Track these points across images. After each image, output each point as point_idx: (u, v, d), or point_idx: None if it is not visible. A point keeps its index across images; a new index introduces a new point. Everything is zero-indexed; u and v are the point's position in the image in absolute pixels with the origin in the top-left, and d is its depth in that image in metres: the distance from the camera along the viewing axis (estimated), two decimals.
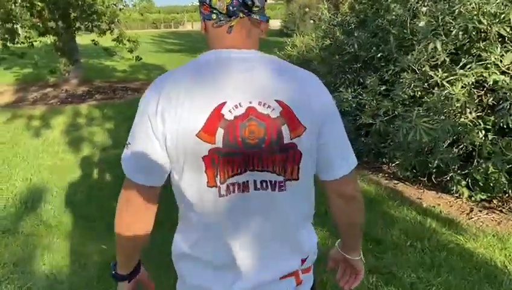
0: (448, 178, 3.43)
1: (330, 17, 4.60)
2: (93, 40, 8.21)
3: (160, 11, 53.14)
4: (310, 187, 1.01)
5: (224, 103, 0.89)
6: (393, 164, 4.02)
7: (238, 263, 0.96)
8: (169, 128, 0.89)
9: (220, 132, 0.88)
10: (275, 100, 0.90)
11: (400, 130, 3.08)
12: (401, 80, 3.40)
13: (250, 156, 0.90)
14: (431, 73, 3.11)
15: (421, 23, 3.12)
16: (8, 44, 7.23)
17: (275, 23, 25.14)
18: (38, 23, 7.15)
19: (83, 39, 8.78)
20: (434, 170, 3.52)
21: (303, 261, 1.04)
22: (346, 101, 3.98)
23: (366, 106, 3.86)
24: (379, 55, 3.87)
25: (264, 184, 0.92)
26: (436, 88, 3.15)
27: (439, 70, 3.11)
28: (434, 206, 3.35)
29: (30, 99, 7.79)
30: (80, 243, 2.87)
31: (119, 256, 1.09)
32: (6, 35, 7.13)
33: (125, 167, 0.96)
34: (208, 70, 0.92)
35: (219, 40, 0.95)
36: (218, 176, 0.90)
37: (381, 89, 3.76)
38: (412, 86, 3.30)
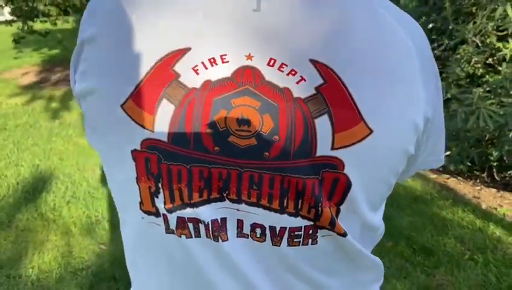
0: None
1: None
2: None
3: None
4: (366, 239, 0.53)
5: (186, 50, 0.42)
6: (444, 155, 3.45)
7: None
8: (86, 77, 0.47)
9: (164, 108, 0.42)
10: (310, 60, 0.42)
11: (458, 115, 2.52)
12: (457, 56, 2.81)
13: (234, 170, 0.43)
14: (499, 45, 2.51)
15: None
16: (30, 23, 6.97)
17: None
18: (58, 1, 6.84)
19: None
20: (495, 164, 2.94)
21: None
22: None
23: None
24: (430, 26, 3.27)
25: (258, 231, 0.45)
26: (504, 64, 2.56)
27: (510, 41, 2.51)
28: (496, 208, 2.78)
29: (53, 80, 7.59)
30: (76, 243, 2.51)
31: None
32: (27, 13, 6.87)
33: None
34: None
35: None
36: (161, 196, 0.45)
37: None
38: (472, 61, 2.71)
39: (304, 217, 0.44)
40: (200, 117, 0.41)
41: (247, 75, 0.42)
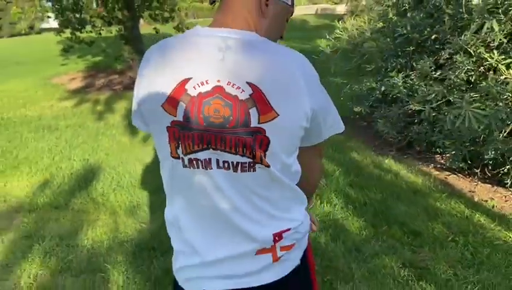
0: (506, 170, 3.16)
1: None
2: (155, 28, 8.51)
3: None
4: (286, 173, 0.97)
5: (189, 79, 0.88)
6: (446, 154, 3.77)
7: (202, 235, 0.99)
8: (142, 95, 0.95)
9: (181, 106, 0.88)
10: (247, 82, 0.87)
11: (448, 117, 2.87)
12: (452, 65, 3.16)
13: (213, 134, 0.88)
14: (486, 55, 2.85)
15: (475, 0, 2.85)
16: (77, 33, 7.71)
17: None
18: (103, 13, 7.53)
19: (145, 28, 9.14)
20: (490, 162, 3.25)
21: (276, 237, 1.00)
22: (396, 87, 3.79)
23: (419, 92, 3.63)
24: (433, 37, 3.61)
25: (226, 164, 0.91)
26: (491, 72, 2.89)
27: (495, 52, 2.83)
28: (487, 201, 3.09)
29: (97, 86, 8.29)
30: (121, 222, 3.03)
31: None
32: (75, 24, 7.61)
33: None
34: (184, 45, 0.93)
35: (215, 14, 0.98)
36: (180, 148, 0.92)
37: (435, 74, 3.52)
38: (465, 69, 3.05)
39: (247, 157, 0.90)
40: (197, 109, 0.88)
41: (218, 90, 0.88)
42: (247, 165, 0.90)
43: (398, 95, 3.81)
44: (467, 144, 3.25)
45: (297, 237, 1.06)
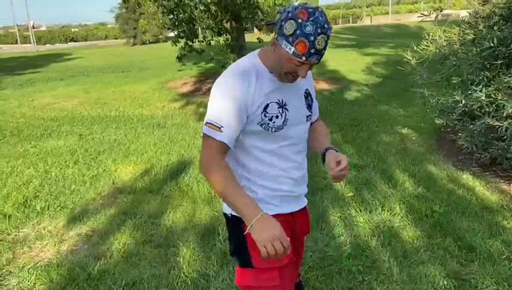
0: None
1: (478, 7, 4.20)
2: (258, 38, 9.09)
3: (341, 7, 53.45)
4: None
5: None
6: None
7: None
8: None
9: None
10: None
11: None
12: None
13: None
14: None
15: None
16: (190, 42, 8.62)
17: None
18: (213, 25, 8.31)
19: (250, 37, 9.79)
20: None
21: None
22: (479, 101, 3.68)
23: (503, 107, 3.49)
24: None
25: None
26: None
27: None
28: None
29: (203, 90, 9.14)
30: (198, 209, 3.49)
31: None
32: (189, 35, 8.52)
33: None
34: None
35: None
36: None
37: None
38: None
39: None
40: None
41: None
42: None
43: (481, 109, 3.69)
44: None
45: None
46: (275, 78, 1.37)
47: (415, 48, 4.61)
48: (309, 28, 1.18)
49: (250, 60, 1.40)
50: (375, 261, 2.61)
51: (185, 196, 3.76)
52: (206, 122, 1.33)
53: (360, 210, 3.28)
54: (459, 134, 4.03)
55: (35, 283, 2.58)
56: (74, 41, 46.84)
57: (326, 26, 1.21)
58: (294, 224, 1.56)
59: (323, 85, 9.15)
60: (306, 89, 1.50)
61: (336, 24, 41.91)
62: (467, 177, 3.79)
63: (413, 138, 5.13)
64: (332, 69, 11.24)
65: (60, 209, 3.61)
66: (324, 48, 1.24)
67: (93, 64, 17.33)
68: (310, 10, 1.20)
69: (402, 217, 3.14)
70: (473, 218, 3.05)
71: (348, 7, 54.37)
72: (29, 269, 2.72)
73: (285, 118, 1.39)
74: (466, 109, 4.08)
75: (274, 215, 1.24)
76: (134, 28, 30.06)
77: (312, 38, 1.19)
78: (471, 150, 3.94)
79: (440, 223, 2.99)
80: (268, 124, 1.37)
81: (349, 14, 48.69)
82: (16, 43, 45.44)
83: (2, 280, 2.63)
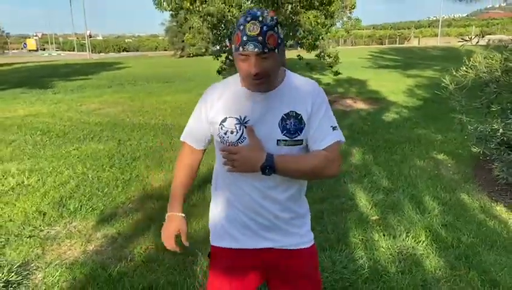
0: None
1: None
2: (298, 55, 9.14)
3: (390, 27, 52.79)
4: None
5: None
6: None
7: None
8: None
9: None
10: None
11: None
12: None
13: None
14: None
15: None
16: (230, 57, 8.82)
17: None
18: None
19: (291, 54, 9.87)
20: None
21: None
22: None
23: None
24: None
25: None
26: None
27: None
28: None
29: None
30: None
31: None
32: (230, 50, 8.73)
33: None
34: None
35: None
36: None
37: None
38: None
39: None
40: None
41: None
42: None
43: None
44: None
45: None
46: (248, 95, 1.36)
47: (454, 72, 4.51)
48: (240, 20, 1.23)
49: (235, 76, 1.44)
50: (392, 288, 2.55)
51: (208, 206, 3.81)
52: None
53: (384, 235, 3.22)
54: (495, 164, 3.88)
55: (58, 279, 2.71)
56: (127, 51, 49.01)
57: (258, 13, 1.20)
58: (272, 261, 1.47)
59: (361, 105, 9.06)
60: (291, 112, 1.33)
61: (382, 44, 41.34)
62: (500, 209, 3.64)
63: (449, 165, 4.97)
64: (372, 89, 11.10)
65: (92, 211, 3.77)
66: (260, 34, 1.18)
67: (141, 73, 18.05)
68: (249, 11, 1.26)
69: (426, 245, 3.04)
70: (501, 252, 2.92)
71: (396, 28, 53.58)
72: (55, 265, 2.86)
73: (241, 135, 1.34)
74: (504, 138, 3.93)
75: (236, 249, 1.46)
76: (182, 41, 31.08)
77: (242, 27, 1.21)
78: (507, 181, 3.78)
79: (466, 255, 2.88)
80: (223, 137, 1.38)
81: (397, 35, 47.88)
82: (74, 50, 48.13)
83: (29, 274, 2.78)
